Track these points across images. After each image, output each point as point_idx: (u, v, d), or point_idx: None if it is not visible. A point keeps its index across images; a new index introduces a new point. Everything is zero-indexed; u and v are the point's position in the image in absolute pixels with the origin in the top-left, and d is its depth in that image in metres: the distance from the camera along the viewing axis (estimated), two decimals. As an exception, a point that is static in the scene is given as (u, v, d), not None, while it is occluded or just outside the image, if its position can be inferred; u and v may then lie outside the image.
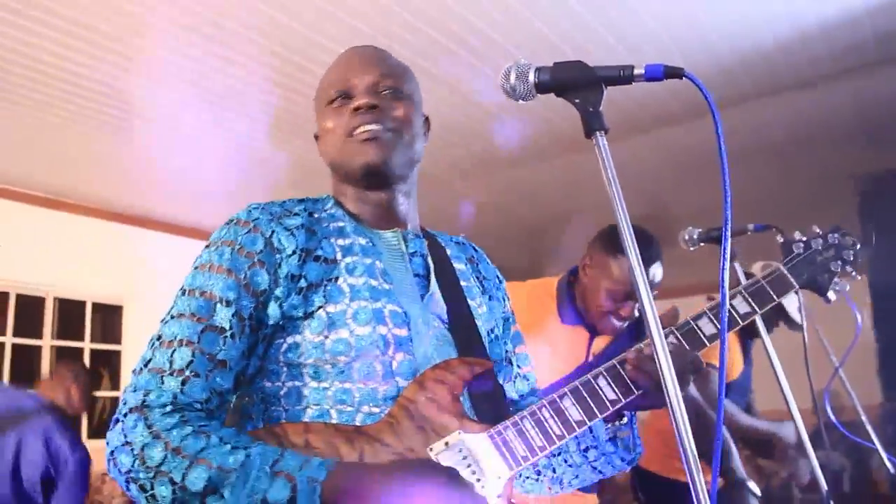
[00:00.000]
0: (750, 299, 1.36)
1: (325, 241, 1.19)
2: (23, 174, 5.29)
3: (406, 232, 1.31)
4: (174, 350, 1.07)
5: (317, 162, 1.34)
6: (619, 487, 5.19)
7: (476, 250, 1.47)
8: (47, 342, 5.68)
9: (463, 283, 1.33)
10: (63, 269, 5.67)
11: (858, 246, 1.47)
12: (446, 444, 1.08)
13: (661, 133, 4.80)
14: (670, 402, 0.90)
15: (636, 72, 0.97)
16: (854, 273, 1.48)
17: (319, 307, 1.13)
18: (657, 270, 2.27)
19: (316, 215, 1.24)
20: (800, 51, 3.88)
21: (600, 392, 1.18)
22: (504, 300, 1.44)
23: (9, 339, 5.45)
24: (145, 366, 1.08)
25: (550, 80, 1.03)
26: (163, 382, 1.05)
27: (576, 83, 1.01)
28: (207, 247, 1.18)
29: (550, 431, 1.13)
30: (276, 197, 1.30)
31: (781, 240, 1.52)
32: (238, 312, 1.10)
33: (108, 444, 1.03)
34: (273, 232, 1.16)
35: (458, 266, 1.36)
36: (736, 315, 1.33)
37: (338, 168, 1.28)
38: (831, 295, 1.47)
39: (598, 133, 0.98)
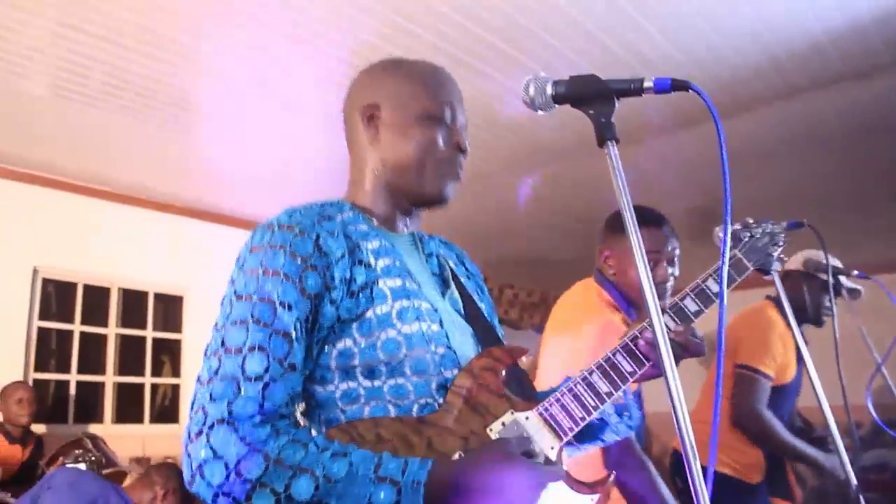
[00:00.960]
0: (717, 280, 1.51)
1: (359, 244, 1.23)
2: (91, 171, 5.51)
3: (420, 233, 1.41)
4: (245, 356, 1.07)
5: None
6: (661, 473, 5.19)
7: (459, 249, 1.56)
8: (112, 330, 5.91)
9: (462, 280, 1.44)
10: (126, 260, 5.88)
11: (784, 230, 1.72)
12: (503, 423, 1.16)
13: (711, 126, 4.76)
14: (666, 378, 1.00)
15: (646, 84, 1.03)
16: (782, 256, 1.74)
17: (367, 309, 1.16)
18: (677, 243, 2.42)
19: (340, 218, 1.26)
20: (853, 41, 3.83)
21: (619, 366, 1.29)
22: (488, 295, 1.54)
23: (77, 328, 5.70)
24: (215, 374, 1.07)
25: (566, 92, 1.09)
26: (240, 390, 1.05)
27: (590, 95, 1.07)
28: (252, 251, 1.18)
29: (587, 403, 1.23)
30: (330, 190, 1.35)
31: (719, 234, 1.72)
32: (299, 316, 1.12)
33: (190, 457, 1.02)
34: (318, 235, 1.17)
35: (453, 266, 1.46)
36: (709, 293, 1.48)
37: (406, 179, 1.31)
38: (773, 272, 1.75)
39: (609, 142, 1.03)
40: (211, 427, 1.02)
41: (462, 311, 1.35)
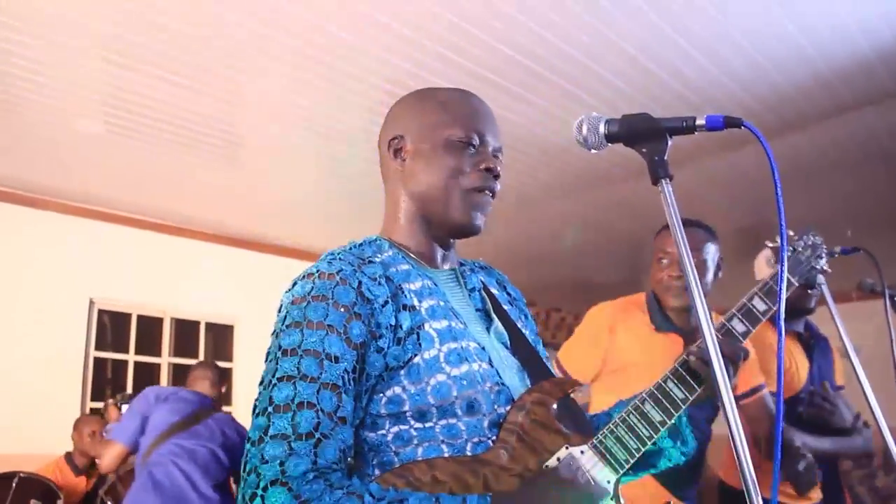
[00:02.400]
0: (765, 298, 1.50)
1: (401, 287, 1.20)
2: (142, 204, 5.68)
3: (461, 269, 1.38)
4: (294, 413, 1.05)
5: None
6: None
7: (500, 274, 1.53)
8: (165, 360, 6.02)
9: (505, 308, 1.40)
10: (178, 291, 6.01)
11: (822, 244, 1.73)
12: (558, 458, 1.15)
13: (758, 146, 4.71)
14: (720, 395, 0.99)
15: (698, 122, 1.03)
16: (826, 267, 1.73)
17: (415, 355, 1.14)
18: (712, 247, 2.52)
19: (378, 259, 1.23)
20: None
21: (671, 393, 1.28)
22: (531, 318, 1.52)
23: (131, 357, 5.82)
24: (265, 433, 1.04)
25: (619, 131, 1.09)
26: (292, 449, 1.02)
27: (642, 134, 1.07)
28: (294, 303, 1.14)
29: (641, 434, 1.22)
30: (372, 216, 1.32)
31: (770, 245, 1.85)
32: (346, 368, 1.09)
33: None
34: (360, 282, 1.14)
35: (495, 292, 1.43)
36: (757, 313, 1.47)
37: (435, 209, 1.29)
38: (819, 286, 1.78)
39: (663, 181, 1.04)
40: (265, 489, 1.00)
41: (507, 344, 1.33)
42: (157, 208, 5.78)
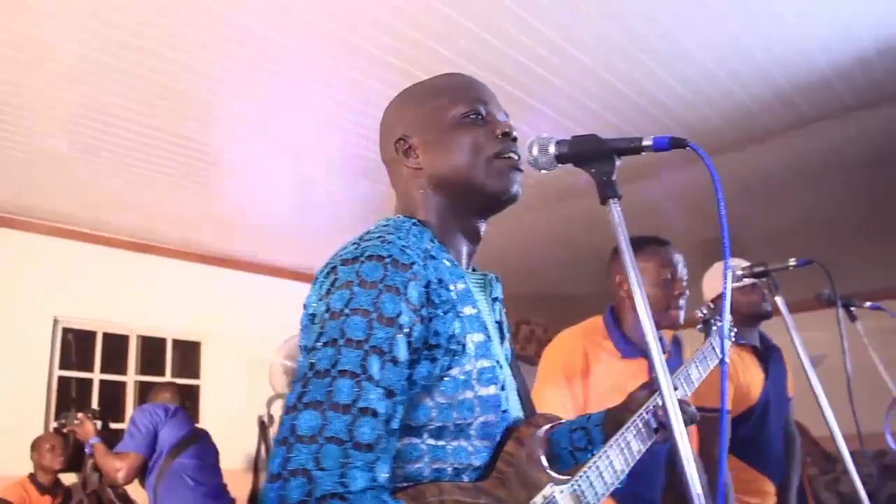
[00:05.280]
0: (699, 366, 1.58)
1: (450, 290, 1.12)
2: (109, 221, 5.61)
3: (490, 276, 1.29)
4: (355, 418, 0.95)
5: (382, 204, 1.36)
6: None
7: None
8: (131, 378, 5.93)
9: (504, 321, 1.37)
10: (145, 308, 5.93)
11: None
12: (543, 497, 1.13)
13: (724, 157, 4.79)
14: (678, 452, 0.99)
15: (644, 143, 1.05)
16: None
17: (453, 367, 1.08)
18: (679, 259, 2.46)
19: (431, 250, 1.14)
20: (858, 73, 3.86)
21: (630, 445, 1.27)
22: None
23: (97, 376, 5.73)
24: (319, 433, 0.93)
25: (569, 152, 1.10)
26: (349, 458, 0.93)
27: (591, 155, 1.08)
28: (361, 285, 1.02)
29: (607, 480, 1.21)
30: (344, 234, 1.23)
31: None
32: (407, 375, 1.02)
33: None
34: (429, 282, 1.06)
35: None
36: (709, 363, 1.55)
37: (467, 186, 1.20)
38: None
39: (611, 200, 1.05)
40: (320, 500, 0.90)
41: (509, 362, 1.30)
42: (123, 225, 5.72)
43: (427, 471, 1.08)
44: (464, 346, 1.09)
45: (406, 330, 1.01)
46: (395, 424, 1.00)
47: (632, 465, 1.25)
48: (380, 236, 1.08)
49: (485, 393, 1.10)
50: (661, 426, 1.30)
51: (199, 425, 4.50)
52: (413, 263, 1.04)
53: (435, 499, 1.05)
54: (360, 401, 0.96)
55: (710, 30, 3.42)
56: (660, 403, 1.29)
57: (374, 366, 0.97)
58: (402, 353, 1.00)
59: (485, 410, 1.10)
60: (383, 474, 0.97)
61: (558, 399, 2.33)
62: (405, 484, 1.07)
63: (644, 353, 2.47)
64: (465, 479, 1.11)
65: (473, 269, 1.30)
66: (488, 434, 1.12)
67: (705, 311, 1.78)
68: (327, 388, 0.96)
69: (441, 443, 1.08)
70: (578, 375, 2.36)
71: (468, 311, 1.13)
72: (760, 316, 2.94)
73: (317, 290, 1.07)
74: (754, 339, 3.00)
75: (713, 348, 1.63)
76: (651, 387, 1.35)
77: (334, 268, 1.06)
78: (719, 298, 3.05)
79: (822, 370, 2.20)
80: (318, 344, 1.00)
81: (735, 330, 1.93)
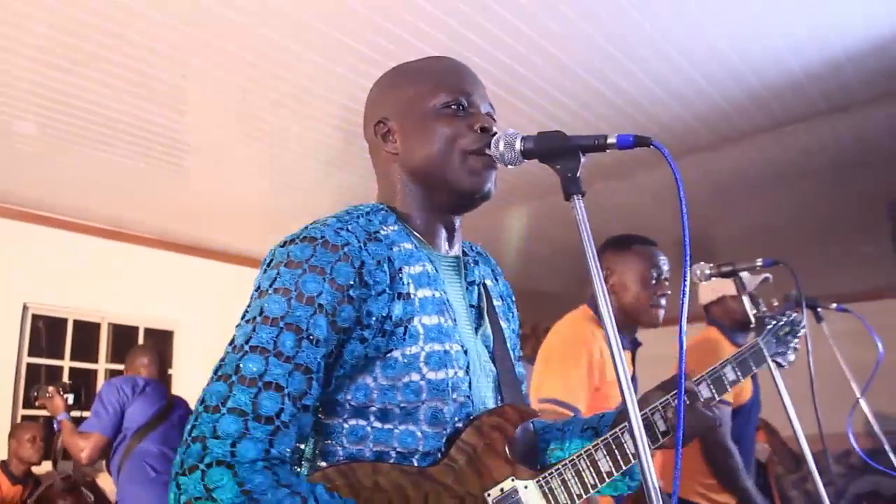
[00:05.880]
0: (737, 369, 1.56)
1: (401, 270, 1.12)
2: (80, 207, 5.55)
3: (466, 258, 1.29)
4: (259, 392, 0.97)
5: (357, 192, 1.33)
6: None
7: (496, 264, 1.46)
8: (102, 366, 5.90)
9: (497, 304, 1.35)
10: (117, 296, 5.88)
11: (803, 322, 1.78)
12: (501, 489, 1.12)
13: (699, 157, 4.83)
14: (636, 445, 0.99)
15: (609, 141, 1.05)
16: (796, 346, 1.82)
17: (395, 349, 1.08)
18: (665, 261, 2.51)
19: (383, 233, 1.14)
20: (829, 77, 3.91)
21: (624, 446, 1.24)
22: (517, 317, 1.45)
23: (66, 363, 5.69)
24: (223, 404, 0.96)
25: (534, 148, 1.11)
26: (247, 429, 0.95)
27: (556, 151, 1.08)
28: (288, 265, 1.04)
29: (587, 481, 1.19)
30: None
31: (755, 314, 1.91)
32: (325, 353, 1.03)
33: (179, 489, 0.92)
34: (363, 263, 1.06)
35: (489, 283, 1.36)
36: (726, 381, 1.51)
37: (435, 181, 1.20)
38: (786, 361, 1.81)
39: (575, 196, 1.06)
40: (209, 465, 0.92)
41: (491, 348, 1.27)
42: (95, 212, 5.66)
43: (368, 452, 1.08)
44: (406, 328, 1.09)
45: (328, 309, 1.02)
46: (308, 401, 1.01)
47: (627, 468, 1.23)
48: (325, 220, 1.11)
49: (434, 377, 1.09)
50: (671, 428, 1.28)
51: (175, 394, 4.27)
52: (346, 244, 1.06)
53: (368, 478, 1.05)
54: (266, 375, 0.98)
55: (687, 32, 3.45)
56: (672, 404, 1.29)
57: (288, 342, 1.00)
58: (322, 331, 1.02)
59: (433, 395, 1.09)
60: (283, 448, 0.98)
61: (577, 381, 2.32)
62: (343, 461, 1.08)
63: (629, 347, 2.52)
64: (414, 463, 1.09)
65: (464, 254, 1.31)
66: (439, 420, 1.10)
67: (765, 311, 1.83)
68: (237, 362, 0.99)
69: (388, 426, 1.08)
70: (599, 362, 2.37)
71: (424, 293, 1.13)
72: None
73: (259, 271, 1.11)
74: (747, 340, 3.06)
75: (762, 351, 1.66)
76: (665, 387, 1.33)
77: (274, 250, 1.10)
78: (720, 301, 3.11)
79: (787, 371, 2.24)
80: (241, 321, 1.05)
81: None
